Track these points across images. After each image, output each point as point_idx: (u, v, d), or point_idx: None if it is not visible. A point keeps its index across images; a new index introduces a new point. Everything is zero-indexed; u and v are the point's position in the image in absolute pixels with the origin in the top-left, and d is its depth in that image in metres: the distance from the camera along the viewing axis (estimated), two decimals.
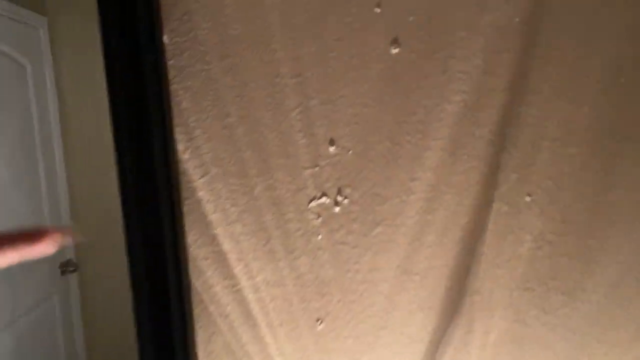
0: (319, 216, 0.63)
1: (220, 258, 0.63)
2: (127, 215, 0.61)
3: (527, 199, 0.63)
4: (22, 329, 1.94)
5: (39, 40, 1.84)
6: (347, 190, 0.63)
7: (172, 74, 0.59)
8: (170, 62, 0.59)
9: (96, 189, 1.98)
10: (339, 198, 0.63)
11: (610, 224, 0.64)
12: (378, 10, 0.60)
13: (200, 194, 0.62)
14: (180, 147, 0.61)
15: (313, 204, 0.63)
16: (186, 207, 0.62)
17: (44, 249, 0.49)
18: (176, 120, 0.60)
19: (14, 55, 1.88)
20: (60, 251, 2.13)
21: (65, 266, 2.11)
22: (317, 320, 0.64)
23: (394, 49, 0.61)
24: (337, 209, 0.63)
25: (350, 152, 0.63)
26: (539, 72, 0.62)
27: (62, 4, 1.83)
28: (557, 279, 0.65)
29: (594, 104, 0.62)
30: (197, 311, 0.63)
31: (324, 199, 0.63)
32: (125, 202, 0.61)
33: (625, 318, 0.65)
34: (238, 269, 0.64)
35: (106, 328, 2.10)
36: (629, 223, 0.64)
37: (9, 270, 1.59)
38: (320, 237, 0.63)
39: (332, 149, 0.63)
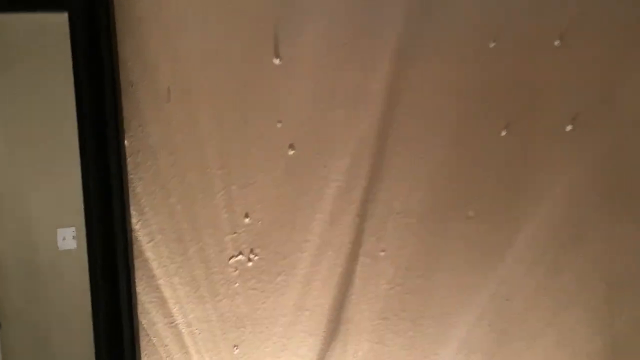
0: (236, 269, 0.87)
1: (162, 302, 0.85)
2: (92, 266, 0.82)
3: (382, 253, 0.90)
4: None
5: None
6: (257, 250, 0.87)
7: (130, 167, 0.82)
8: (128, 159, 0.82)
9: (23, 251, 2.03)
10: (251, 256, 0.87)
11: (439, 269, 0.92)
12: (279, 125, 0.86)
13: (148, 254, 0.84)
14: (133, 220, 0.83)
15: (232, 260, 0.86)
16: (137, 264, 0.83)
17: None
18: (132, 201, 0.82)
19: None
20: None
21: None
22: (234, 346, 0.87)
23: (291, 151, 0.87)
24: (249, 264, 0.87)
25: (260, 222, 0.87)
26: (389, 163, 0.90)
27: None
28: (405, 310, 0.92)
29: (427, 184, 0.91)
30: (143, 343, 0.84)
31: (240, 257, 0.87)
32: (91, 259, 0.82)
33: (450, 337, 0.93)
34: (175, 310, 0.85)
35: None
36: (451, 269, 0.92)
37: None
38: (237, 284, 0.87)
39: (246, 220, 0.87)
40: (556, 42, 0.95)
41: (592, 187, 0.96)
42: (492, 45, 0.93)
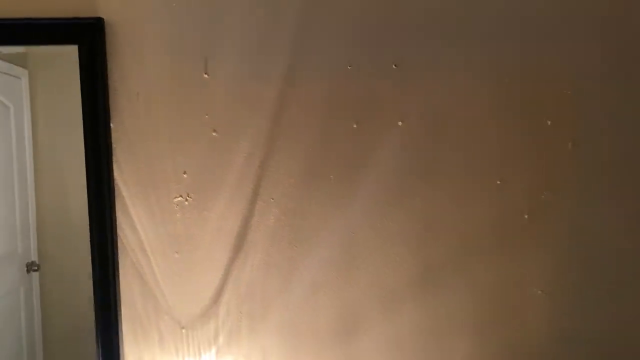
0: (177, 205, 1.38)
1: (132, 224, 1.37)
2: (90, 204, 1.35)
3: (272, 199, 1.41)
4: None
5: (21, 87, 2.32)
6: (191, 194, 1.39)
7: (113, 141, 1.34)
8: (113, 136, 1.33)
9: (58, 213, 2.45)
10: (187, 198, 1.38)
11: (310, 212, 1.41)
12: (207, 117, 1.36)
13: (124, 194, 1.36)
14: (115, 173, 1.35)
15: (175, 200, 1.38)
16: (117, 201, 1.35)
17: None
18: (114, 162, 1.34)
19: (2, 100, 2.45)
20: (27, 253, 2.67)
21: (30, 266, 2.61)
22: (175, 252, 1.39)
23: (214, 133, 1.37)
24: (186, 203, 1.39)
25: (193, 177, 1.38)
26: (277, 142, 1.39)
27: (41, 60, 2.32)
28: (286, 237, 1.42)
29: (302, 157, 1.39)
30: (120, 249, 1.36)
31: (180, 198, 1.38)
32: (90, 201, 1.35)
33: (314, 255, 1.42)
34: (139, 229, 1.38)
35: (61, 317, 2.48)
36: (318, 212, 1.41)
37: None
38: (178, 215, 1.39)
39: (185, 175, 1.38)
40: (393, 66, 1.41)
41: (412, 168, 1.43)
42: (349, 68, 1.40)
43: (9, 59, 2.38)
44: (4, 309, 2.53)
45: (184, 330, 1.42)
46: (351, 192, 1.44)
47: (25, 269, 2.61)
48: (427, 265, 1.47)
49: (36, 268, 2.51)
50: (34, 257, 2.54)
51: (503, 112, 1.46)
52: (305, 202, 1.43)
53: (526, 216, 1.48)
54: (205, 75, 1.37)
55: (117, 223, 1.38)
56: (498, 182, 1.47)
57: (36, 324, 2.61)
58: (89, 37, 1.34)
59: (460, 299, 1.48)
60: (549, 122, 1.46)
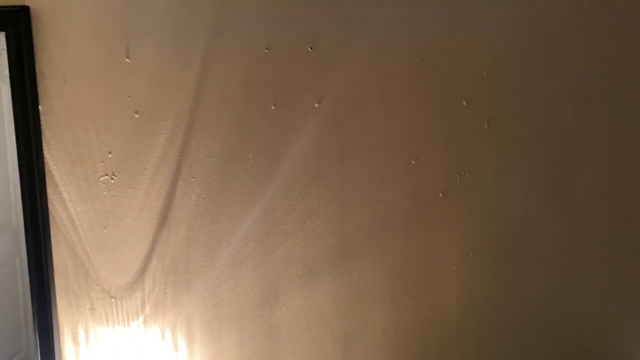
0: (104, 184, 1.46)
1: (62, 200, 1.45)
2: (22, 184, 1.42)
3: (193, 179, 1.47)
4: None
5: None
6: (117, 173, 1.46)
7: (42, 123, 1.40)
8: (42, 117, 1.40)
9: None
10: (113, 176, 1.45)
11: (230, 189, 1.46)
12: (129, 99, 1.42)
13: (54, 173, 1.44)
14: (45, 152, 1.42)
15: (101, 178, 1.46)
16: (47, 179, 1.43)
17: None
18: (43, 142, 1.41)
19: None
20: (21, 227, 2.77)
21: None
22: (103, 227, 1.46)
23: (136, 115, 1.43)
24: (112, 181, 1.46)
25: (118, 156, 1.45)
26: (197, 124, 1.44)
27: None
28: (206, 213, 1.49)
29: (221, 138, 1.44)
30: (52, 224, 1.44)
31: (106, 177, 1.46)
32: (21, 180, 1.42)
33: (235, 231, 1.48)
34: (69, 206, 1.46)
35: None
36: (238, 189, 1.46)
37: None
38: (104, 192, 1.47)
39: (110, 155, 1.44)
40: (309, 49, 1.44)
41: (329, 148, 1.47)
42: (266, 50, 1.43)
43: None
44: (2, 277, 2.69)
45: (113, 300, 1.51)
46: (270, 171, 1.49)
47: (20, 241, 2.76)
48: (344, 240, 1.52)
49: None
50: None
51: (419, 92, 1.48)
52: (226, 181, 1.49)
53: (441, 194, 1.51)
54: (127, 60, 1.43)
55: (49, 200, 1.46)
56: (413, 162, 1.49)
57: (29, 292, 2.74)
58: (15, 25, 1.40)
59: (375, 272, 1.54)
60: (465, 103, 1.47)
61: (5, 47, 1.41)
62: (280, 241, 1.51)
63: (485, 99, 1.47)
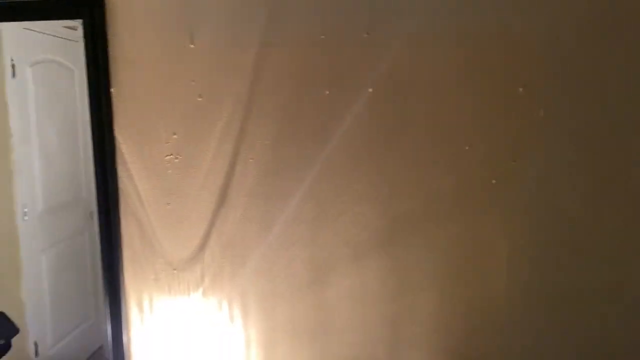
0: (169, 162, 1.55)
1: (130, 177, 1.57)
2: (95, 161, 1.54)
3: (251, 160, 1.54)
4: (62, 250, 2.80)
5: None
6: (180, 153, 1.54)
7: (114, 105, 1.51)
8: (113, 101, 1.51)
9: None
10: (177, 156, 1.55)
11: (284, 169, 1.53)
12: (193, 83, 1.50)
13: (123, 150, 1.55)
14: (116, 131, 1.53)
15: (166, 157, 1.55)
16: (117, 156, 1.54)
17: None
18: (114, 122, 1.52)
19: (66, 64, 2.74)
20: (90, 202, 2.97)
21: (92, 214, 2.94)
22: (167, 203, 1.56)
23: (199, 98, 1.51)
24: (176, 160, 1.55)
25: (181, 137, 1.54)
26: (255, 108, 1.50)
27: None
28: (262, 192, 1.56)
29: (277, 122, 1.50)
30: (121, 198, 1.56)
31: (171, 156, 1.55)
32: (95, 157, 1.55)
33: (284, 207, 1.54)
34: (136, 182, 1.57)
35: None
36: (289, 169, 1.52)
37: (57, 211, 2.52)
38: (169, 171, 1.56)
39: (174, 136, 1.54)
40: (365, 34, 1.46)
41: (380, 132, 1.49)
42: (322, 37, 1.47)
43: (72, 25, 2.61)
44: (71, 251, 2.91)
45: (175, 272, 1.62)
46: (322, 155, 1.54)
47: (90, 215, 2.97)
48: (393, 224, 1.55)
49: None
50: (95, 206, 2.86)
51: (474, 78, 1.48)
52: (280, 163, 1.55)
53: (494, 181, 1.50)
54: (191, 46, 1.51)
55: (119, 177, 1.57)
56: (467, 148, 1.50)
57: (98, 265, 2.95)
58: (91, 14, 1.51)
59: (424, 257, 1.56)
60: (521, 89, 1.46)
61: (83, 35, 1.53)
62: (330, 223, 1.56)
63: (541, 86, 1.45)
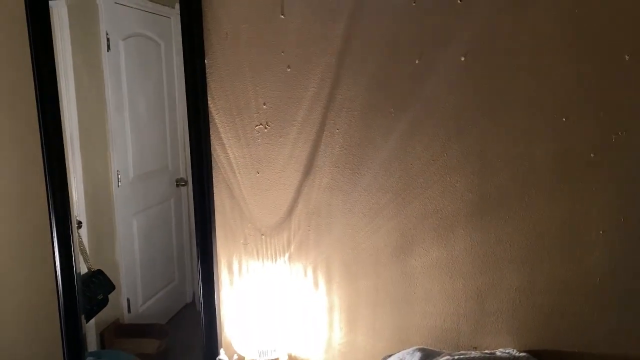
0: (259, 132, 1.62)
1: (222, 145, 1.65)
2: (190, 128, 1.63)
3: (337, 130, 1.57)
4: (150, 215, 2.95)
5: (170, 26, 2.55)
6: (270, 123, 1.61)
7: (207, 75, 1.59)
8: (207, 71, 1.58)
9: None
10: (266, 126, 1.61)
11: (369, 139, 1.55)
12: (282, 54, 1.54)
13: (216, 120, 1.63)
14: (209, 102, 1.61)
15: (257, 127, 1.62)
16: (211, 126, 1.62)
17: None
18: (208, 93, 1.60)
19: (154, 38, 2.83)
20: (177, 170, 3.09)
21: (179, 181, 3.07)
22: (257, 172, 1.63)
23: (288, 69, 1.55)
24: (265, 130, 1.62)
25: (271, 107, 1.59)
26: (342, 78, 1.52)
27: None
28: (348, 163, 1.59)
29: (364, 92, 1.52)
30: (214, 166, 1.65)
31: (260, 126, 1.61)
32: (189, 125, 1.63)
33: (363, 178, 1.57)
34: (228, 150, 1.66)
35: None
36: (375, 140, 1.54)
37: (146, 179, 2.65)
38: (259, 140, 1.63)
39: (264, 106, 1.60)
40: (459, 1, 1.43)
41: (472, 103, 1.47)
42: (413, 4, 1.46)
43: (160, 1, 2.69)
44: (158, 216, 3.11)
45: (263, 237, 1.70)
46: (411, 125, 1.54)
47: (175, 183, 3.14)
48: (483, 197, 1.54)
49: (184, 183, 2.96)
50: (182, 174, 2.99)
51: (574, 46, 1.41)
52: (368, 133, 1.57)
53: (592, 155, 1.44)
54: (282, 16, 1.54)
55: (212, 144, 1.66)
56: (563, 120, 1.44)
57: (184, 231, 3.09)
58: None
59: (514, 232, 1.54)
60: (627, 57, 1.37)
61: (179, 8, 1.61)
62: (418, 194, 1.57)
63: None
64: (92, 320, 2.27)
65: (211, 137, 1.66)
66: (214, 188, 1.70)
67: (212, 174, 1.69)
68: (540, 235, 1.53)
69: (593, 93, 1.43)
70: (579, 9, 1.39)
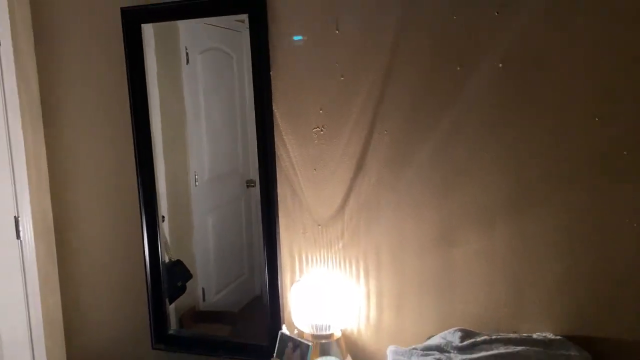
0: (316, 134, 1.85)
1: (285, 146, 1.91)
2: (258, 129, 1.89)
3: (385, 132, 1.76)
4: (222, 213, 3.23)
5: (241, 40, 2.89)
6: (325, 125, 1.84)
7: (272, 84, 1.84)
8: (272, 82, 1.84)
9: None
10: (323, 128, 1.83)
11: (416, 138, 1.73)
12: (337, 65, 1.76)
13: (279, 122, 1.88)
14: (274, 107, 1.86)
15: (314, 130, 1.86)
16: (275, 128, 1.88)
17: None
18: (273, 98, 1.85)
19: (227, 51, 3.12)
20: (246, 173, 3.35)
21: (248, 182, 3.34)
22: (314, 169, 1.86)
23: (341, 78, 1.77)
24: (322, 132, 1.85)
25: (326, 112, 1.82)
26: (391, 84, 1.73)
27: None
28: (394, 160, 1.79)
29: (409, 99, 1.71)
30: (278, 163, 1.89)
31: (317, 129, 1.85)
32: (257, 127, 1.89)
33: (409, 174, 1.75)
34: (290, 149, 1.92)
35: None
36: (421, 139, 1.72)
37: (220, 180, 2.94)
38: (316, 141, 1.87)
39: (321, 111, 1.83)
40: (495, 13, 1.60)
41: (509, 104, 1.62)
42: (454, 17, 1.64)
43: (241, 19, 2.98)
44: (230, 214, 3.41)
45: (319, 227, 1.92)
46: (452, 127, 1.72)
47: (245, 185, 3.43)
48: (520, 191, 1.69)
49: (253, 184, 3.23)
50: (252, 176, 3.27)
51: (604, 46, 1.52)
52: (413, 135, 1.76)
53: (625, 153, 1.55)
54: (337, 32, 1.77)
55: (276, 145, 1.91)
56: (596, 119, 1.56)
57: (254, 229, 3.35)
58: (254, 8, 1.85)
59: (551, 224, 1.67)
60: None
61: (248, 27, 1.88)
62: (459, 188, 1.74)
63: None
64: (172, 305, 2.58)
65: (275, 139, 1.92)
66: (278, 183, 1.95)
67: (276, 171, 1.94)
68: (576, 228, 1.65)
69: (623, 94, 1.54)
70: (613, 15, 1.51)
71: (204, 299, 3.20)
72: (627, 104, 1.54)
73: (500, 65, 1.63)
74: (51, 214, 2.35)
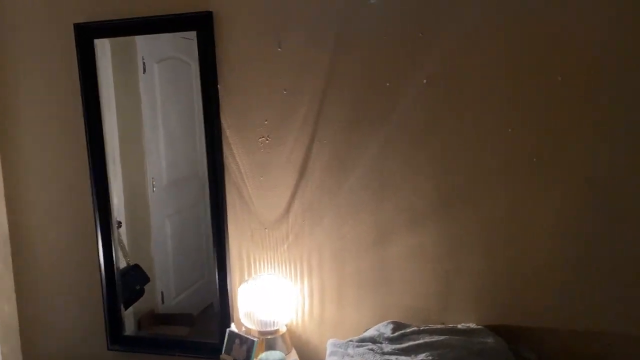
0: (262, 143, 2.00)
1: (233, 155, 2.02)
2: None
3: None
4: (181, 218, 3.31)
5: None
6: (270, 134, 1.98)
7: (220, 94, 1.97)
8: (220, 94, 1.97)
9: None
10: (268, 138, 1.98)
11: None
12: (280, 80, 1.91)
13: (229, 136, 2.00)
14: (222, 117, 1.99)
15: (259, 139, 2.02)
16: (223, 140, 2.00)
17: None
18: (221, 109, 1.98)
19: (185, 59, 3.21)
20: (205, 177, 3.41)
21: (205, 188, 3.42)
22: (261, 176, 2.00)
23: (284, 91, 1.92)
24: (267, 141, 2.00)
25: (270, 122, 1.96)
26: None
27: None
28: (334, 167, 1.92)
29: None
30: (226, 172, 2.03)
31: (262, 138, 2.00)
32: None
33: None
34: (237, 157, 2.04)
35: None
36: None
37: (178, 185, 3.04)
38: (262, 150, 2.02)
39: (265, 122, 1.97)
40: (420, 34, 1.77)
41: (433, 117, 1.80)
42: (385, 37, 1.81)
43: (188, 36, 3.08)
44: (189, 219, 3.50)
45: (266, 230, 2.07)
46: (385, 135, 1.90)
47: (203, 189, 3.54)
48: (445, 195, 1.87)
49: None
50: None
51: (517, 69, 1.72)
52: (350, 142, 1.93)
53: (535, 160, 1.74)
54: (279, 49, 1.92)
55: (224, 155, 2.04)
56: (509, 130, 1.75)
57: (210, 231, 3.42)
58: (203, 25, 1.98)
59: (472, 224, 1.86)
60: (560, 78, 1.68)
61: (196, 43, 2.01)
62: (392, 192, 1.91)
63: (581, 76, 1.67)
64: (131, 308, 2.66)
65: (224, 149, 2.05)
66: (226, 190, 2.08)
67: (224, 179, 2.08)
68: (495, 228, 1.84)
69: (533, 108, 1.74)
70: (521, 40, 1.71)
71: (163, 302, 3.29)
72: (536, 117, 1.74)
73: (425, 81, 1.82)
74: (6, 222, 2.42)
